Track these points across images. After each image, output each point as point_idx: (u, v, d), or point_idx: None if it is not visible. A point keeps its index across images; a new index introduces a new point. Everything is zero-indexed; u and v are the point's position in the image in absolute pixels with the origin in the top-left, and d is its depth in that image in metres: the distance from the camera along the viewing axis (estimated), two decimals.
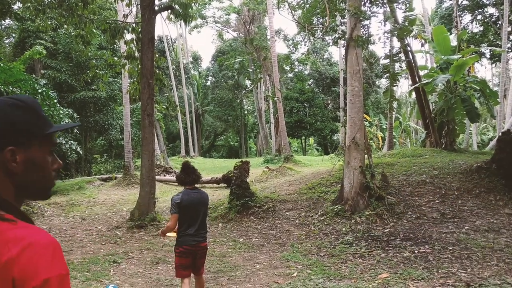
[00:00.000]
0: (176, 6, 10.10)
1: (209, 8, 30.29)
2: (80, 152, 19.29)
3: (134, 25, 10.90)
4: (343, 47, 9.98)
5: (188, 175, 4.11)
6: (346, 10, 9.01)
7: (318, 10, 12.06)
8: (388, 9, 10.99)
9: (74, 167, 21.47)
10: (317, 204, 9.13)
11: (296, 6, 13.33)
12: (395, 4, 11.23)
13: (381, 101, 35.85)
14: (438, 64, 14.55)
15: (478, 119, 14.73)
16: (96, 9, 11.89)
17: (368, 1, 9.47)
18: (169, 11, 10.52)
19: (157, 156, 18.23)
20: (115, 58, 12.72)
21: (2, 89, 10.50)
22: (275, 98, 19.68)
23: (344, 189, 8.38)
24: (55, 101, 12.72)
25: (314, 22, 13.43)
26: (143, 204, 9.00)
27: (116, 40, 11.11)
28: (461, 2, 23.40)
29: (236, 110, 43.45)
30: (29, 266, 0.83)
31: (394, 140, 26.50)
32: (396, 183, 9.28)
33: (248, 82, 39.64)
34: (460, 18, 22.58)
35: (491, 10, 24.07)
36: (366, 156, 8.62)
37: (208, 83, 46.97)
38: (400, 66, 15.22)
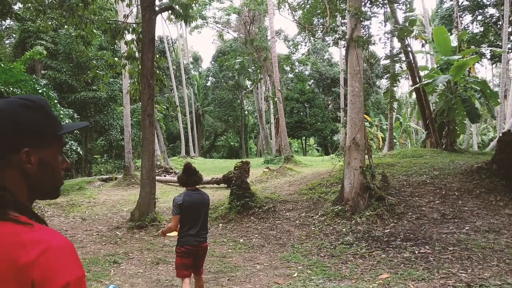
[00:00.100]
0: (177, 7, 10.11)
1: (210, 9, 30.36)
2: (81, 152, 19.31)
3: (134, 25, 10.91)
4: (343, 47, 9.97)
5: (190, 177, 4.16)
6: (346, 11, 9.01)
7: (318, 11, 12.06)
8: (388, 9, 11.00)
9: (74, 167, 21.45)
10: (317, 204, 9.12)
11: (297, 7, 13.34)
12: (395, 5, 11.23)
13: (382, 101, 35.85)
14: (438, 65, 14.55)
15: (478, 120, 14.71)
16: (96, 9, 11.90)
17: (369, 2, 9.47)
18: (170, 11, 10.52)
19: (158, 156, 18.23)
20: (116, 59, 12.73)
21: (2, 90, 10.51)
22: (276, 99, 19.70)
23: (344, 189, 8.38)
24: (56, 101, 12.73)
25: (314, 23, 13.43)
26: (144, 204, 9.00)
27: (116, 41, 11.10)
28: (462, 2, 23.43)
29: (236, 111, 43.45)
30: (49, 269, 0.83)
31: (395, 140, 26.49)
32: (397, 184, 9.28)
33: (248, 83, 39.65)
34: (461, 19, 22.59)
35: (491, 10, 24.11)
36: (366, 156, 8.62)
37: (209, 83, 46.97)
38: (401, 67, 15.22)
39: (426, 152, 13.25)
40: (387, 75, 11.74)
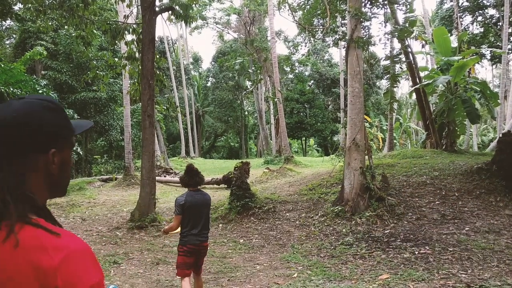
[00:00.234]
0: (177, 7, 10.12)
1: (210, 9, 30.33)
2: (81, 152, 19.33)
3: (134, 26, 10.92)
4: (343, 48, 9.98)
5: (192, 178, 4.25)
6: (346, 11, 9.02)
7: (318, 11, 12.07)
8: (388, 10, 11.01)
9: (74, 167, 21.45)
10: (317, 205, 9.13)
11: (297, 7, 13.36)
12: (395, 5, 11.25)
13: (382, 102, 35.84)
14: (438, 65, 14.55)
15: (478, 120, 14.72)
16: (96, 10, 11.90)
17: (369, 2, 9.49)
18: (170, 12, 10.53)
19: (158, 157, 18.22)
20: (116, 59, 12.73)
21: (2, 90, 10.51)
22: (276, 99, 19.70)
23: (344, 190, 8.38)
24: None
25: (314, 23, 13.45)
26: (144, 204, 9.00)
27: (116, 41, 11.10)
28: (462, 3, 23.43)
29: (236, 111, 43.45)
30: (72, 275, 0.85)
31: (395, 141, 26.50)
32: (397, 184, 9.28)
33: (248, 83, 39.65)
34: (461, 20, 22.59)
35: (491, 11, 24.10)
36: (366, 157, 8.62)
37: (209, 84, 46.99)
38: (401, 67, 15.22)
39: (426, 153, 13.25)
40: (387, 75, 11.74)
